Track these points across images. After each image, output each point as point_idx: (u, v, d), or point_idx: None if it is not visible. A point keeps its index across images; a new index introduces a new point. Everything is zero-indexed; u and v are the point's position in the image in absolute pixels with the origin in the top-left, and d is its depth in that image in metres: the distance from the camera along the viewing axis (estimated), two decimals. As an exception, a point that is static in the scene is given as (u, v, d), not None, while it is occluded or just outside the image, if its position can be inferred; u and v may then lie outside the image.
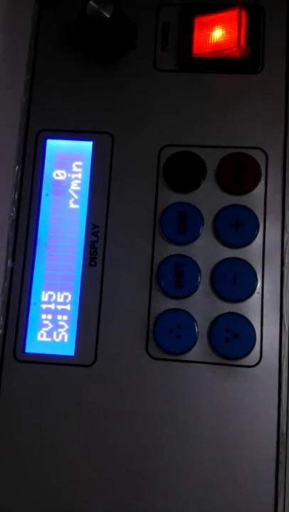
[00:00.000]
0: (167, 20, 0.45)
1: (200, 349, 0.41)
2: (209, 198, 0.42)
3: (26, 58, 0.46)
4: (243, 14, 0.43)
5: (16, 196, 0.44)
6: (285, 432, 0.39)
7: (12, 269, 0.43)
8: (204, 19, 0.43)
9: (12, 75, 0.45)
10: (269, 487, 0.39)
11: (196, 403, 0.40)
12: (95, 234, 0.43)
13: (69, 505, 0.40)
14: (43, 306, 0.42)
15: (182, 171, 0.43)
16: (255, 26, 0.44)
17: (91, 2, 0.42)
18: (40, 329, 0.42)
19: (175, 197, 0.43)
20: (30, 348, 0.42)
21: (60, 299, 0.42)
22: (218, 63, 0.44)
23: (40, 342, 0.42)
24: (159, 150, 0.43)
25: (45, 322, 0.42)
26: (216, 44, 0.43)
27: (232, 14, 0.42)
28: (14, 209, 0.43)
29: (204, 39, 0.43)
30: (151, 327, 0.41)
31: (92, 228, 0.43)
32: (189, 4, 0.45)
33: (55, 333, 0.42)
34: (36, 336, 0.42)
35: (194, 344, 0.41)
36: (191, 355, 0.41)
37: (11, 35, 0.46)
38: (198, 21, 0.44)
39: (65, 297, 0.42)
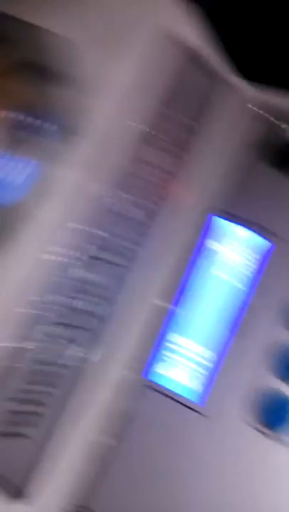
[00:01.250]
0: None
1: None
2: None
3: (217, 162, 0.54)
4: None
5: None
6: None
7: (164, 309, 0.50)
8: None
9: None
10: None
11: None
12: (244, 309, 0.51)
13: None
14: (179, 349, 0.50)
15: None
16: None
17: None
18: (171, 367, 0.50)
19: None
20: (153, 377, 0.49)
21: (203, 354, 0.50)
22: None
23: (164, 376, 0.49)
24: None
25: (175, 363, 0.50)
26: None
27: None
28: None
29: None
30: (259, 401, 0.49)
31: (242, 307, 0.51)
32: None
33: (182, 374, 0.49)
34: (165, 370, 0.49)
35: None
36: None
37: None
38: None
39: (206, 353, 0.50)
